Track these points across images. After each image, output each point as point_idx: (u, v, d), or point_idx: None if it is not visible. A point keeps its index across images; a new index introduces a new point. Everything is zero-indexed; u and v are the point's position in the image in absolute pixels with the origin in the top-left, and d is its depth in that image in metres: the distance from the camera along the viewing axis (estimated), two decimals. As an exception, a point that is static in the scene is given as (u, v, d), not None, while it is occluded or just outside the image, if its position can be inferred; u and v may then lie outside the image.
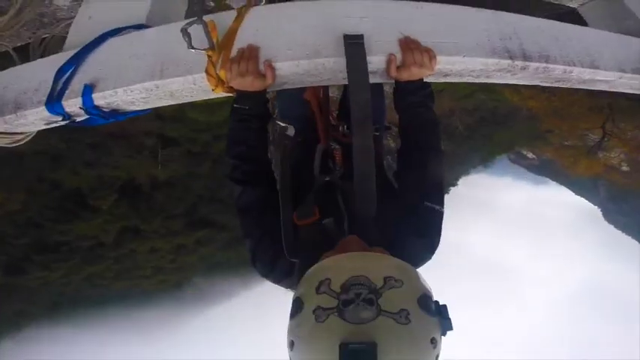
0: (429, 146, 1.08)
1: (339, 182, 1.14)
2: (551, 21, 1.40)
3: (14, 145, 1.61)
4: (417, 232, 0.96)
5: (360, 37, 1.05)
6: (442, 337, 0.69)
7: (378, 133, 1.35)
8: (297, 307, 0.69)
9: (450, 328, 0.69)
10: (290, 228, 0.98)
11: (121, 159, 13.05)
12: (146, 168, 14.15)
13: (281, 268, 0.98)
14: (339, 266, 0.72)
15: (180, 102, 1.47)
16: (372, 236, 0.87)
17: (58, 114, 1.32)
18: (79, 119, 1.42)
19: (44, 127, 1.49)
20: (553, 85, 1.50)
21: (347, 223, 0.97)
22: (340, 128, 1.40)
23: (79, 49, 1.27)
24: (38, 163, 11.28)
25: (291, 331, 0.68)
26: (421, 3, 1.21)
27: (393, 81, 1.13)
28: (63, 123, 1.42)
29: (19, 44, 1.98)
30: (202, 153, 14.79)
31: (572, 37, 1.38)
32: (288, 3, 1.52)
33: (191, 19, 1.08)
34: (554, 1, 2.19)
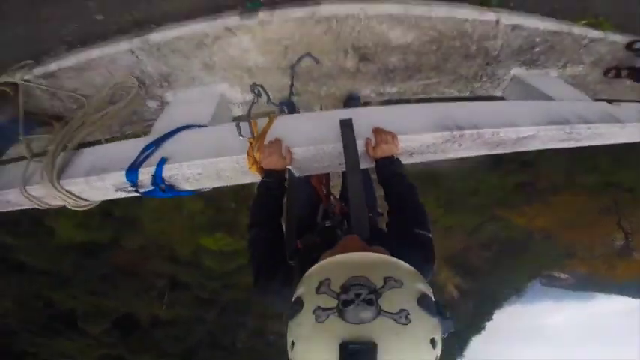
0: (409, 199, 1.31)
1: (338, 224, 1.41)
2: (477, 101, 2.01)
3: (76, 209, 1.98)
4: (412, 254, 1.00)
5: (350, 120, 1.60)
6: (442, 337, 0.69)
7: (371, 215, 1.62)
8: (297, 307, 0.69)
9: (450, 328, 0.71)
10: (293, 236, 1.17)
11: (125, 294, 12.71)
12: (149, 307, 13.58)
13: (280, 278, 1.07)
14: (339, 266, 0.74)
15: (223, 184, 1.92)
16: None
17: (131, 181, 1.76)
18: (142, 190, 1.84)
19: (112, 194, 1.91)
20: (496, 152, 1.93)
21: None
22: (340, 205, 1.75)
23: (161, 135, 1.82)
24: (42, 280, 11.12)
25: (291, 331, 0.68)
26: (382, 107, 1.87)
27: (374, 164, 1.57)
28: (129, 190, 1.83)
29: (107, 137, 2.61)
30: (211, 300, 14.55)
31: (493, 108, 1.93)
32: (302, 113, 2.34)
33: (243, 119, 1.65)
34: (485, 94, 2.98)
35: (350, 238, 0.94)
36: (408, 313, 0.63)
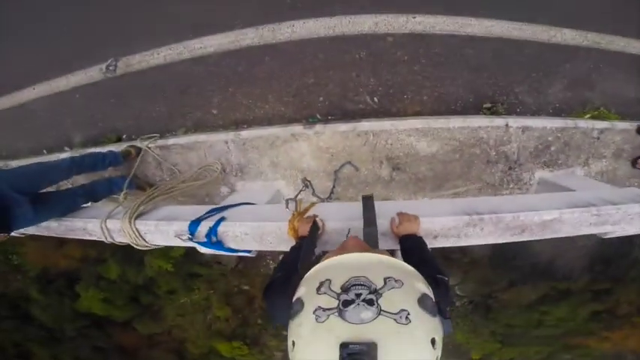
0: (430, 260, 1.32)
1: None
2: (499, 197, 2.11)
3: (135, 246, 2.34)
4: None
5: (371, 195, 1.81)
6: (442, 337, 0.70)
7: None
8: (298, 307, 0.70)
9: (450, 328, 0.75)
10: (308, 258, 1.24)
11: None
12: None
13: (289, 289, 1.07)
14: (340, 267, 0.75)
15: (262, 248, 2.22)
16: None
17: (191, 230, 2.15)
18: (195, 240, 2.20)
19: (171, 240, 2.28)
20: (523, 238, 1.91)
21: None
22: None
23: (226, 204, 2.29)
24: (34, 332, 10.56)
25: (292, 331, 0.69)
26: (409, 201, 2.14)
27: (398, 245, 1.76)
28: (186, 238, 2.20)
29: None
30: None
31: (513, 200, 2.01)
32: (335, 203, 2.66)
33: (292, 198, 2.07)
34: None
35: (350, 240, 0.97)
36: (409, 314, 0.63)
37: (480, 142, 2.77)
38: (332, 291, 0.67)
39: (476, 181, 2.99)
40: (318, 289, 0.69)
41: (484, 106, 2.96)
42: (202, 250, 2.26)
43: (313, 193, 2.65)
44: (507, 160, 2.87)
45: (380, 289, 0.66)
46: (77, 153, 3.28)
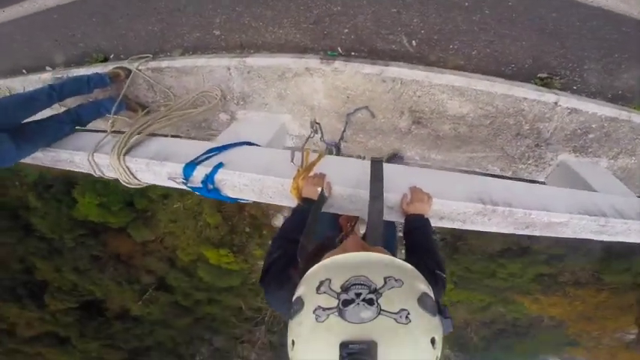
0: (432, 248, 1.37)
1: None
2: (516, 181, 1.98)
3: (126, 184, 2.17)
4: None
5: (381, 160, 1.62)
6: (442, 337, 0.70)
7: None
8: (298, 306, 0.70)
9: (450, 328, 0.72)
10: (307, 244, 1.17)
11: (108, 280, 12.76)
12: (125, 299, 13.50)
13: (287, 278, 1.07)
14: (340, 266, 0.74)
15: (261, 200, 2.05)
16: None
17: (185, 174, 1.94)
18: (190, 185, 2.01)
19: (163, 181, 2.09)
20: (525, 232, 1.90)
21: None
22: None
23: (225, 143, 2.02)
24: (36, 245, 11.32)
25: (292, 330, 0.68)
26: (425, 169, 1.99)
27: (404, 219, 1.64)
28: (180, 182, 2.00)
29: (173, 133, 2.90)
30: (189, 309, 14.40)
31: (531, 191, 1.92)
32: (348, 158, 2.44)
33: (297, 148, 1.82)
34: (528, 178, 2.89)
35: (351, 239, 0.95)
36: (409, 313, 0.62)
37: (518, 114, 2.44)
38: (332, 290, 0.66)
39: (496, 150, 2.74)
40: (318, 288, 0.68)
41: (539, 75, 2.49)
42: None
43: (321, 138, 2.38)
44: (538, 137, 2.60)
45: (380, 288, 0.65)
46: (59, 74, 2.97)
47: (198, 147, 2.08)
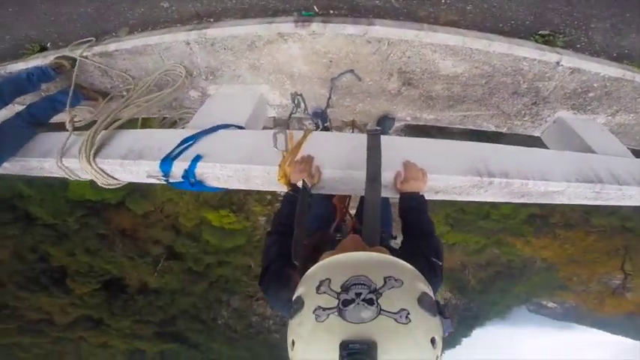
0: (428, 232, 1.34)
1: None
2: (513, 146, 1.91)
3: (105, 186, 2.04)
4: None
5: (379, 133, 1.42)
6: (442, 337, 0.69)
7: (384, 235, 1.59)
8: (298, 306, 0.69)
9: (450, 327, 0.72)
10: (300, 239, 1.14)
11: (120, 257, 13.06)
12: (141, 273, 13.96)
13: (286, 279, 1.06)
14: (340, 266, 0.74)
15: (249, 188, 1.94)
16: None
17: (163, 170, 1.80)
18: (172, 180, 1.88)
19: (142, 179, 1.96)
20: (521, 201, 1.89)
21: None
22: (353, 222, 1.77)
23: (199, 130, 1.86)
24: (43, 233, 11.42)
25: (292, 330, 0.68)
26: (417, 138, 1.84)
27: (398, 196, 1.56)
28: (160, 178, 1.88)
29: (143, 116, 2.68)
30: (202, 274, 14.87)
31: (527, 157, 1.88)
32: (336, 133, 2.28)
33: (280, 129, 1.67)
34: (523, 133, 2.88)
35: (350, 239, 0.94)
36: (409, 313, 0.62)
37: (517, 73, 2.26)
38: (332, 290, 0.66)
39: (492, 109, 2.58)
40: (318, 288, 0.68)
41: (540, 32, 2.24)
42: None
43: (305, 111, 2.19)
44: (536, 96, 2.45)
45: (380, 288, 0.65)
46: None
47: (173, 136, 1.92)
